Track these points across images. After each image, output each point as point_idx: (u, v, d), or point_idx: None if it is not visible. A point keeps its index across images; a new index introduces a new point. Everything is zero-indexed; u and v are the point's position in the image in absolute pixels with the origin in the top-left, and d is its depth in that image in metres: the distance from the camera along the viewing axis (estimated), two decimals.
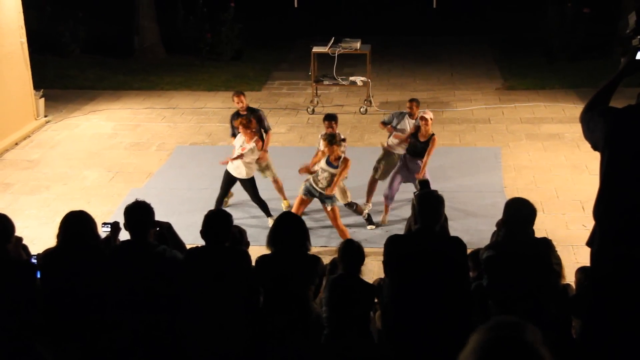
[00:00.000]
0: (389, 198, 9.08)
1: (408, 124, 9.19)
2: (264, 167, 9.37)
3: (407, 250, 4.88)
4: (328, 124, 8.80)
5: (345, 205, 8.81)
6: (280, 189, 9.48)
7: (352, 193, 8.93)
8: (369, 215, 9.03)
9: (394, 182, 9.06)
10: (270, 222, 8.98)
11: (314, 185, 8.30)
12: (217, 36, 17.33)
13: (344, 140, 8.61)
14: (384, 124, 9.52)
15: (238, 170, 8.85)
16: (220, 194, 9.11)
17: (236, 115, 9.38)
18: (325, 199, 8.32)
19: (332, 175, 8.19)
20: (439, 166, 10.21)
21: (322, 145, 8.59)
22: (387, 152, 9.36)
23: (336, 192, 8.44)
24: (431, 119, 8.84)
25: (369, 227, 8.92)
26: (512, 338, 2.10)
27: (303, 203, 8.44)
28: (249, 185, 9.00)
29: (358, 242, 5.35)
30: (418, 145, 8.87)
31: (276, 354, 4.74)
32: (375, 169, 9.41)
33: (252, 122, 8.83)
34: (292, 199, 8.86)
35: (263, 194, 9.17)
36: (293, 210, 8.31)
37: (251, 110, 9.39)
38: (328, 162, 8.24)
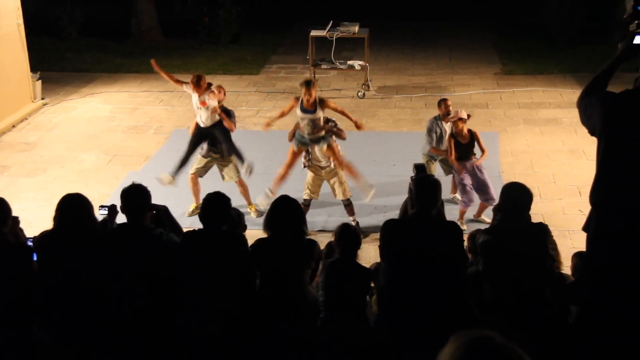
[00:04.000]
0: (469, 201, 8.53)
1: (443, 127, 8.60)
2: (226, 167, 8.84)
3: (404, 234, 4.88)
4: (306, 90, 8.01)
5: (344, 201, 8.46)
6: (245, 192, 8.96)
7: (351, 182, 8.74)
8: (357, 223, 8.39)
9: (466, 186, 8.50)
10: (244, 169, 8.76)
11: (302, 134, 8.16)
12: (215, 19, 17.26)
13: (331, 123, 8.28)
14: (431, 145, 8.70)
15: (210, 120, 8.56)
16: (187, 152, 8.78)
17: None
18: (316, 141, 8.14)
19: (312, 120, 8.01)
20: None
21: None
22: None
23: (336, 185, 8.33)
24: (467, 118, 8.38)
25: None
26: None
27: (295, 154, 8.27)
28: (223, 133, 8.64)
29: (354, 226, 5.36)
30: (462, 148, 8.44)
31: (272, 337, 4.75)
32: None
33: (202, 78, 8.46)
34: (296, 179, 8.82)
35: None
36: (286, 162, 8.29)
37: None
38: (304, 110, 8.04)
